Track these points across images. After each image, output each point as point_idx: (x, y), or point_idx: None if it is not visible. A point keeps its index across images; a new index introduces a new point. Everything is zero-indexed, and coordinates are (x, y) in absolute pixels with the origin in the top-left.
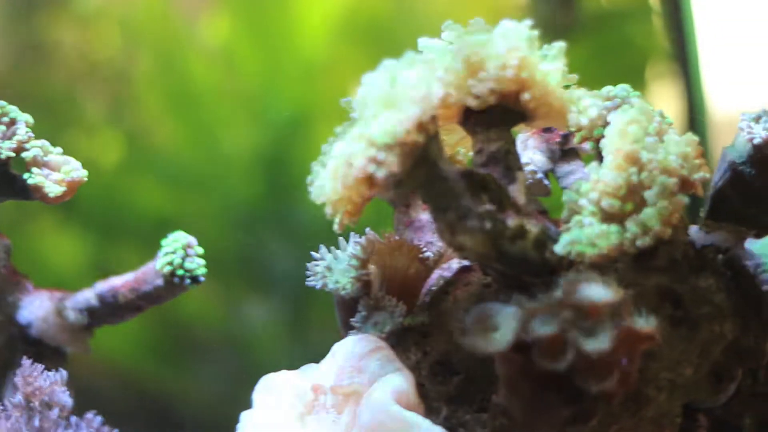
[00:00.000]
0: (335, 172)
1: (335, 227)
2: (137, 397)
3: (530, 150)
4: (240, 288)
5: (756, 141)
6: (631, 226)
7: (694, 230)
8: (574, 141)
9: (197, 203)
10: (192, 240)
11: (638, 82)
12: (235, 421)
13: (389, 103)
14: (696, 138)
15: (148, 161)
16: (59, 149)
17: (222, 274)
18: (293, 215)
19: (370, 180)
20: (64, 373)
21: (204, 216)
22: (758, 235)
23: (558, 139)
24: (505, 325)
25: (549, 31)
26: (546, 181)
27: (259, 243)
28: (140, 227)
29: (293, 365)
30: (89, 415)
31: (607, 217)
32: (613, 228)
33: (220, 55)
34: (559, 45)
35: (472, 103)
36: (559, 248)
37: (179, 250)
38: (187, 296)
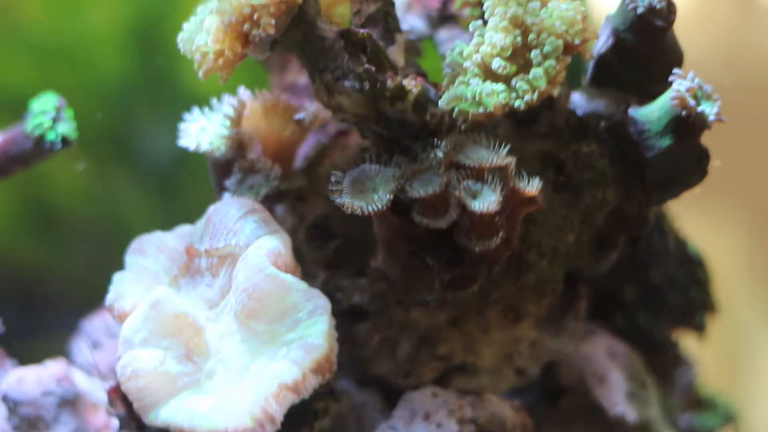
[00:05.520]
0: (209, 28)
1: (200, 75)
2: (5, 273)
3: (410, 16)
4: (111, 163)
5: (639, 10)
6: (520, 83)
7: (576, 97)
8: (454, 7)
9: (66, 78)
10: (62, 101)
11: None
12: (104, 294)
13: None
14: (582, 5)
15: (13, 35)
16: None
17: (93, 149)
18: (166, 89)
19: (244, 38)
20: None
21: (73, 91)
22: (641, 102)
23: (437, 6)
24: (384, 185)
25: None
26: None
27: (131, 117)
28: (7, 102)
29: None
30: None
31: (491, 78)
32: (500, 86)
33: None
34: None
35: None
36: (443, 103)
37: (50, 111)
38: (56, 172)
